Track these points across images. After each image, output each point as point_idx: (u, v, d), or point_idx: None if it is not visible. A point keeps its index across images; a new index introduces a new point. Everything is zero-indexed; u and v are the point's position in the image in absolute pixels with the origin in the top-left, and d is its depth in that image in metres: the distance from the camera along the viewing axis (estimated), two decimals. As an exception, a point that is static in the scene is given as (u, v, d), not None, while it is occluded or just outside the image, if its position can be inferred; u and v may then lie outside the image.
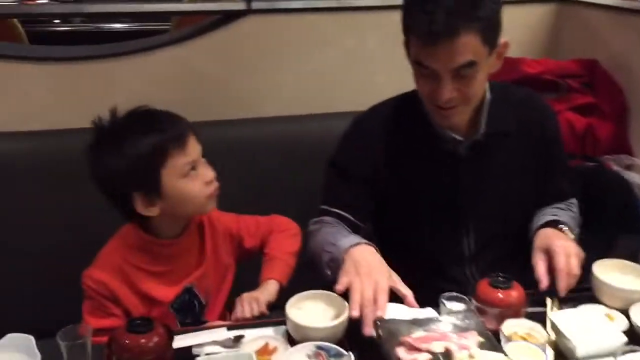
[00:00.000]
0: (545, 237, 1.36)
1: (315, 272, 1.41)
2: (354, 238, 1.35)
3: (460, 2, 1.23)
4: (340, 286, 1.22)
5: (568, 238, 1.38)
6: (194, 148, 1.34)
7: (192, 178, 1.33)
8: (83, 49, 1.95)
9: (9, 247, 1.68)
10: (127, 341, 1.09)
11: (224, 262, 1.50)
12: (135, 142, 1.30)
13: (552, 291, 1.28)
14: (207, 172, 1.36)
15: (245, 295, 1.40)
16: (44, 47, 1.96)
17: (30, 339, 1.16)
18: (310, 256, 1.46)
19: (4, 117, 1.78)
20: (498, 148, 1.46)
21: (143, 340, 1.09)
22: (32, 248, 1.69)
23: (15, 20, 2.63)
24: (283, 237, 1.55)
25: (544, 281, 1.27)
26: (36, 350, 1.13)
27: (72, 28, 3.41)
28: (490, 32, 1.28)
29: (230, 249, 1.52)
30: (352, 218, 1.48)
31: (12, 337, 1.16)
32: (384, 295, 1.19)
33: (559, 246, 1.30)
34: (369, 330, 1.15)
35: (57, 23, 3.35)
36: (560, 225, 1.41)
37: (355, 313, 1.16)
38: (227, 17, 1.90)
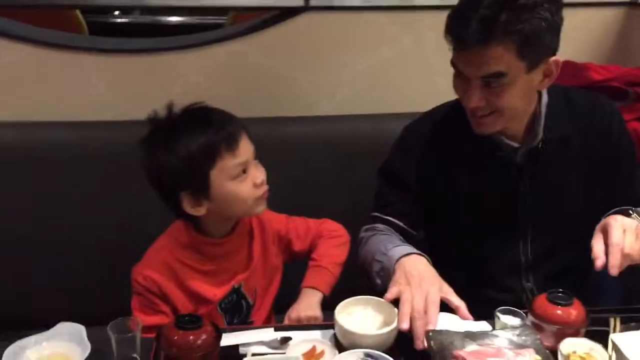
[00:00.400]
0: (607, 218, 1.26)
1: (366, 279, 1.40)
2: (406, 248, 1.32)
3: (499, 13, 1.20)
4: (389, 295, 1.20)
5: (634, 219, 1.26)
6: (245, 149, 1.32)
7: (241, 180, 1.32)
8: (142, 41, 1.97)
9: (62, 238, 1.71)
10: (175, 337, 1.08)
11: (272, 263, 1.49)
12: (187, 141, 1.29)
13: (615, 310, 1.22)
14: (258, 174, 1.34)
15: (293, 316, 1.38)
16: (104, 39, 1.97)
17: (82, 328, 1.17)
18: (361, 263, 1.45)
19: (63, 107, 1.81)
20: (558, 155, 1.41)
21: (191, 337, 1.09)
22: (84, 239, 1.71)
23: (77, 10, 2.68)
24: (332, 245, 1.52)
25: (598, 260, 1.16)
26: (87, 340, 1.14)
27: (130, 20, 3.46)
28: (530, 47, 1.23)
29: (279, 250, 1.50)
30: (403, 225, 1.47)
31: (63, 326, 1.18)
32: (434, 307, 1.16)
33: (616, 220, 1.21)
34: (419, 344, 1.12)
35: (116, 15, 3.41)
36: (629, 211, 1.31)
37: (405, 326, 1.13)
38: (285, 14, 1.89)
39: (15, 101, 1.80)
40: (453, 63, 1.30)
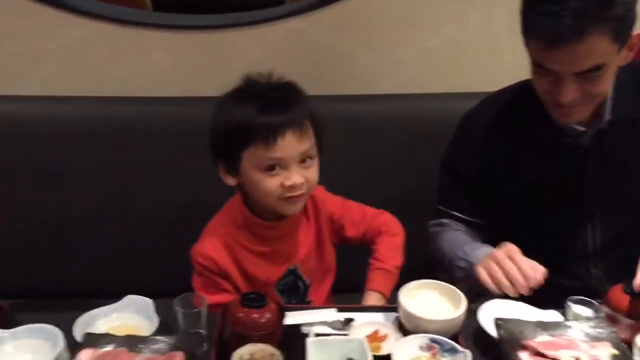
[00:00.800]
0: None
1: (439, 271, 1.40)
2: (481, 250, 1.31)
3: (589, 1, 1.12)
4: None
5: None
6: (287, 148, 1.24)
7: (270, 175, 1.26)
8: (204, 18, 1.96)
9: (130, 211, 1.74)
10: (240, 315, 1.09)
11: (327, 244, 1.47)
12: (235, 111, 1.28)
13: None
14: (291, 177, 1.26)
15: None
16: (168, 15, 1.98)
17: (149, 302, 1.19)
18: (436, 258, 1.46)
19: (129, 83, 1.83)
20: (625, 136, 1.35)
21: (256, 315, 1.09)
22: (151, 213, 1.74)
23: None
24: (393, 246, 1.48)
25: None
26: (154, 314, 1.16)
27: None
28: (623, 28, 1.16)
29: (330, 232, 1.48)
30: (468, 218, 1.47)
31: (132, 299, 1.20)
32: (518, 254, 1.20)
33: None
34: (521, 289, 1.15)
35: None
36: None
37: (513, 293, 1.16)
38: (350, -11, 1.84)
39: (83, 76, 1.83)
40: (536, 63, 1.22)
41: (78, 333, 1.09)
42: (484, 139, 1.43)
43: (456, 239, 1.42)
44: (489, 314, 1.15)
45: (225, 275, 1.36)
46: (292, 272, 1.42)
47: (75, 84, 1.81)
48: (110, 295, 1.27)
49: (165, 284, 1.33)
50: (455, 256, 1.37)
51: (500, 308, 1.17)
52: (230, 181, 1.34)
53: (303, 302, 1.44)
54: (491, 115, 1.44)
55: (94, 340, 1.02)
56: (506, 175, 1.42)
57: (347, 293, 1.45)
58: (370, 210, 1.51)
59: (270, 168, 1.26)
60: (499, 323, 1.07)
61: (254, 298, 1.10)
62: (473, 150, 1.44)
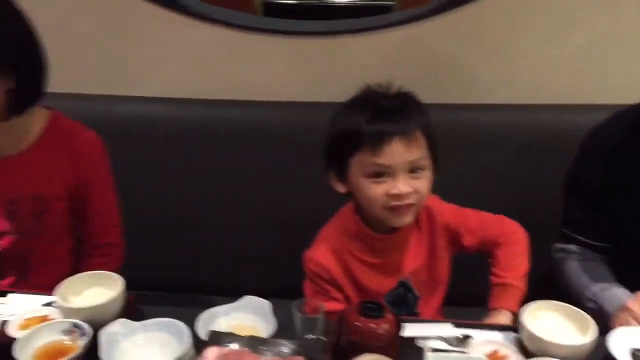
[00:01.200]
0: None
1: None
2: (611, 293, 1.29)
3: None
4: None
5: None
6: (395, 155, 1.23)
7: (376, 182, 1.25)
8: (321, 24, 1.98)
9: (247, 213, 1.79)
10: (358, 324, 1.08)
11: (440, 255, 1.43)
12: (345, 119, 1.29)
13: None
14: (398, 185, 1.24)
15: None
16: (285, 21, 2.01)
17: (267, 304, 1.21)
18: (561, 284, 1.43)
19: (244, 86, 1.87)
20: None
21: (374, 325, 1.08)
22: (269, 214, 1.78)
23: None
24: (513, 255, 1.41)
25: None
26: (272, 316, 1.17)
27: (298, 1, 3.51)
28: None
29: (446, 242, 1.44)
30: (594, 242, 1.42)
31: (250, 299, 1.22)
32: None
33: None
34: None
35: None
36: None
37: None
38: (467, -4, 1.80)
39: (201, 79, 1.90)
40: None
41: (200, 329, 1.12)
42: (612, 158, 1.37)
43: (583, 273, 1.38)
44: (622, 343, 1.07)
45: (336, 284, 1.36)
46: (403, 284, 1.40)
47: (194, 87, 1.88)
48: (224, 293, 1.31)
49: (281, 286, 1.36)
50: (582, 293, 1.34)
51: (635, 336, 1.09)
52: (340, 188, 1.34)
53: (412, 315, 1.41)
54: (619, 133, 1.37)
55: (218, 338, 1.04)
56: (635, 196, 1.34)
57: (458, 306, 1.42)
58: (487, 217, 1.45)
59: (377, 175, 1.25)
60: (637, 354, 1.00)
61: (373, 307, 1.09)
62: (601, 168, 1.38)
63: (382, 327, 1.08)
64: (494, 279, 1.39)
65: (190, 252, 1.80)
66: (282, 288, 1.33)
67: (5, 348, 1.10)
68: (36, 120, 1.43)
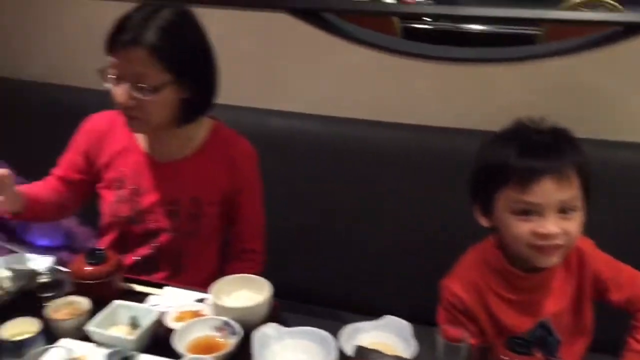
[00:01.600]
0: None
1: None
2: None
3: None
4: None
5: None
6: (545, 194, 1.19)
7: (522, 219, 1.22)
8: (468, 51, 1.98)
9: (389, 235, 1.82)
10: (505, 358, 1.07)
11: (586, 302, 1.37)
12: (493, 152, 1.27)
13: None
14: (546, 225, 1.20)
15: None
16: (428, 46, 2.03)
17: (407, 325, 1.21)
18: None
19: (388, 108, 1.91)
20: None
21: (521, 362, 1.06)
22: (406, 236, 1.80)
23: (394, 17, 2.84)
24: None
25: None
26: (413, 339, 1.18)
27: (432, 27, 3.52)
28: None
29: (591, 292, 1.37)
30: None
31: (390, 319, 1.24)
32: None
33: None
34: None
35: (421, 21, 3.50)
36: None
37: None
38: (629, 30, 1.73)
39: (347, 98, 1.96)
40: None
41: (344, 343, 1.15)
42: None
43: None
44: None
45: (472, 317, 1.34)
46: (543, 325, 1.35)
47: (339, 105, 1.95)
48: (356, 310, 1.33)
49: (416, 308, 1.37)
50: None
51: None
52: (484, 222, 1.32)
53: (552, 359, 1.36)
54: None
55: (365, 353, 1.07)
56: None
57: (602, 353, 1.35)
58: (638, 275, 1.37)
59: (524, 212, 1.22)
60: None
61: (521, 344, 1.07)
62: None
63: (531, 364, 1.06)
64: (632, 344, 1.31)
65: (328, 266, 1.85)
66: (416, 310, 1.33)
67: (164, 336, 1.20)
68: (201, 128, 1.54)
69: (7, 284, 1.24)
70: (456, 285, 1.35)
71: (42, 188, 1.54)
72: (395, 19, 2.86)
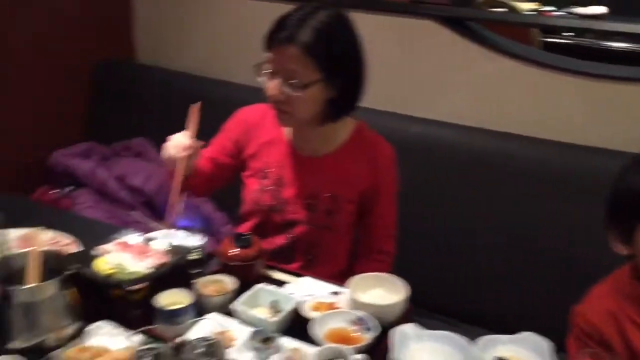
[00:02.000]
0: None
1: None
2: None
3: None
4: None
5: None
6: None
7: None
8: (620, 69, 1.90)
9: (524, 251, 1.80)
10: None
11: None
12: (636, 176, 1.21)
13: None
14: None
15: None
16: (581, 62, 1.97)
17: (547, 344, 1.19)
18: None
19: (529, 122, 1.88)
20: None
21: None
22: (542, 254, 1.77)
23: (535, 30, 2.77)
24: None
25: None
26: (551, 357, 1.16)
27: (573, 42, 3.40)
28: None
29: None
30: None
31: (529, 335, 1.21)
32: None
33: None
34: None
35: (561, 35, 3.39)
36: None
37: None
38: None
39: (484, 109, 1.94)
40: None
41: (480, 352, 1.15)
42: None
43: None
44: None
45: (606, 346, 1.28)
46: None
47: (476, 115, 1.93)
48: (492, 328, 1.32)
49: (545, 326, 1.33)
50: None
51: None
52: (620, 249, 1.26)
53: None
54: None
55: (506, 365, 1.06)
56: None
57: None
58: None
59: None
60: None
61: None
62: None
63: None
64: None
65: (459, 275, 1.84)
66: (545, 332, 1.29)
67: (301, 324, 1.25)
68: (345, 127, 1.59)
69: (166, 258, 1.34)
70: (591, 313, 1.29)
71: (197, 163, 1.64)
72: (536, 33, 2.78)
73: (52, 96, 2.48)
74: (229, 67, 2.37)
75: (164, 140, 1.54)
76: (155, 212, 2.24)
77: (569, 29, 3.10)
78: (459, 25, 1.97)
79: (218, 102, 2.02)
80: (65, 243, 1.49)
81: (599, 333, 1.28)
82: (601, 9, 1.98)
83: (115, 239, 1.40)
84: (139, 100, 2.54)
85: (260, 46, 1.48)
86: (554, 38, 3.15)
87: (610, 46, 3.37)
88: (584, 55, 3.15)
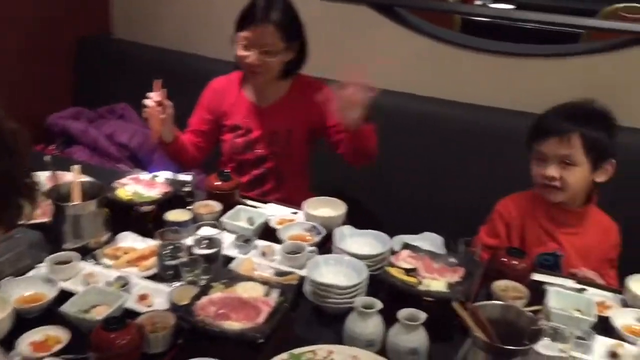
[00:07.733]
0: None
1: None
2: None
3: None
4: None
5: None
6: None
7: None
8: (514, 46, 2.45)
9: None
10: (503, 260, 1.56)
11: None
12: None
13: None
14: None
15: None
16: (481, 40, 2.50)
17: (439, 238, 1.72)
18: None
19: (437, 86, 2.42)
20: None
21: (514, 262, 1.55)
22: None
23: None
24: None
25: None
26: (443, 247, 1.68)
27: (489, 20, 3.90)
28: None
29: None
30: None
31: (427, 234, 1.74)
32: None
33: None
34: None
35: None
36: None
37: None
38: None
39: (407, 77, 2.46)
40: None
41: (395, 243, 1.67)
42: None
43: None
44: None
45: (508, 227, 1.83)
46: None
47: (401, 82, 2.45)
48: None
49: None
50: None
51: None
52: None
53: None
54: None
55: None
56: None
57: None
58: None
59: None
60: None
61: (515, 252, 1.56)
62: None
63: (521, 265, 1.54)
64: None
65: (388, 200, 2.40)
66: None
67: (271, 233, 1.74)
68: (288, 80, 2.10)
69: (167, 188, 1.81)
70: (509, 202, 1.86)
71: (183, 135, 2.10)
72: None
73: (42, 69, 2.85)
74: (199, 41, 2.81)
75: (143, 105, 1.93)
76: (138, 164, 2.67)
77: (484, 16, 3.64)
78: (388, 10, 2.48)
79: (189, 73, 2.48)
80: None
81: (509, 216, 1.84)
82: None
83: (129, 174, 1.86)
84: (119, 71, 2.94)
85: (230, 22, 1.94)
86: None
87: (524, 25, 3.91)
88: (497, 31, 3.69)
